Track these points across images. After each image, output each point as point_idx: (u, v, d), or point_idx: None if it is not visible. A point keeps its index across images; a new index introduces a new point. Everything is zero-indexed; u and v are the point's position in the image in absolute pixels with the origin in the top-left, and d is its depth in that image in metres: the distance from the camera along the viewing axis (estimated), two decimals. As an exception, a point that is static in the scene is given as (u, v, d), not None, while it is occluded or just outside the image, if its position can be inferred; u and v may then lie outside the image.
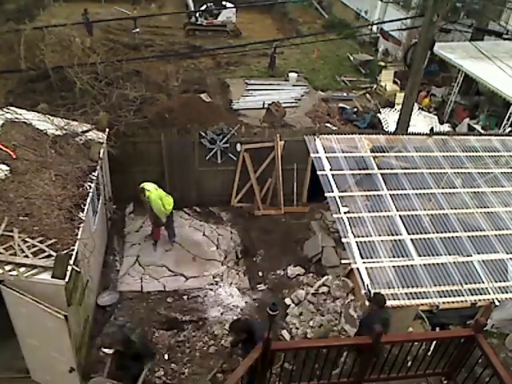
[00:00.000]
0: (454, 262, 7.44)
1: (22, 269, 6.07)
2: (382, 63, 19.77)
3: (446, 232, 7.86)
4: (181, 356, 7.91)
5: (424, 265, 7.35)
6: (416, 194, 8.40)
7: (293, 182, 11.48)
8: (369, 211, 8.01)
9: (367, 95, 18.06)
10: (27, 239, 6.38)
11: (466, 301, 7.13)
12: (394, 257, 7.41)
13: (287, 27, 23.75)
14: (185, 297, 9.09)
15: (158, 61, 17.20)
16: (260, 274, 9.81)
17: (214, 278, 9.67)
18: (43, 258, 6.23)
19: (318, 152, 8.82)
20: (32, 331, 6.60)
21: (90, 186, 7.85)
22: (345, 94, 17.85)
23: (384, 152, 9.01)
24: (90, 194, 7.73)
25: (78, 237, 6.77)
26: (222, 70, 18.78)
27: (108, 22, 19.44)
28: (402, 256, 7.43)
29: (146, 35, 20.17)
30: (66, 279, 6.11)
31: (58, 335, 6.40)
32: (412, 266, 7.33)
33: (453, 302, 7.09)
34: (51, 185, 7.36)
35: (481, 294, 7.13)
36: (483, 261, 7.55)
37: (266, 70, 19.05)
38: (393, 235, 7.73)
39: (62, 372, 6.86)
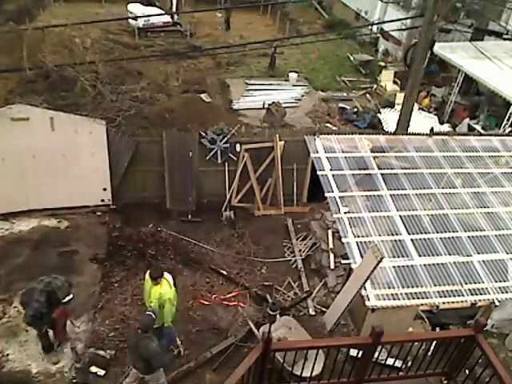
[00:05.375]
0: (454, 262, 7.44)
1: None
2: (382, 63, 19.77)
3: (446, 232, 7.86)
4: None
5: (424, 265, 7.35)
6: (416, 194, 8.40)
7: (293, 182, 11.48)
8: (369, 211, 8.00)
9: (367, 95, 18.07)
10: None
11: (466, 301, 7.13)
12: (394, 257, 7.41)
13: (287, 27, 23.72)
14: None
15: (158, 61, 17.22)
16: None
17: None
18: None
19: (318, 152, 8.81)
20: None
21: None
22: (345, 94, 17.86)
23: (384, 152, 9.01)
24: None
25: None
26: (222, 70, 18.77)
27: (108, 22, 19.42)
28: (402, 256, 7.42)
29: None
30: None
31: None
32: (412, 265, 7.33)
33: (453, 302, 7.09)
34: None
35: (481, 294, 7.12)
36: (483, 261, 7.55)
37: (266, 70, 19.05)
38: (393, 235, 7.73)
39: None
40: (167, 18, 20.88)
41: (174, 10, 21.21)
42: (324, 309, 8.79)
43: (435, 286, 7.10)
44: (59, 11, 21.96)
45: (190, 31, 21.16)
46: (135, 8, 20.81)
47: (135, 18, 19.76)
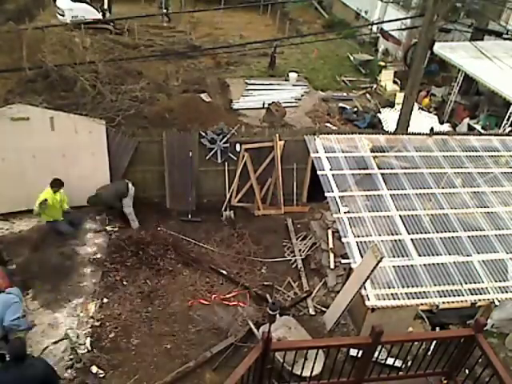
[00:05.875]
0: (454, 262, 7.44)
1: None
2: (382, 63, 19.76)
3: (446, 232, 7.87)
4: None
5: (424, 265, 7.35)
6: (416, 193, 8.41)
7: (293, 181, 11.48)
8: (369, 211, 8.01)
9: (367, 95, 18.06)
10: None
11: (466, 301, 7.14)
12: (394, 257, 7.42)
13: (287, 27, 23.73)
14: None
15: (158, 61, 17.21)
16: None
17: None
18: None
19: (318, 152, 8.82)
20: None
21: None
22: (345, 94, 17.85)
23: (384, 152, 9.02)
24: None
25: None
26: (221, 69, 18.76)
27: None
28: (402, 256, 7.43)
29: (146, 35, 20.15)
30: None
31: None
32: (412, 265, 7.33)
33: (453, 302, 7.09)
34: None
35: (481, 294, 7.13)
36: (483, 261, 7.55)
37: (266, 69, 19.04)
38: (393, 235, 7.74)
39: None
40: (97, 15, 20.15)
41: (105, 7, 20.47)
42: (324, 309, 8.78)
43: (435, 285, 7.11)
44: (59, 11, 21.91)
45: (190, 31, 21.12)
46: (63, 3, 20.06)
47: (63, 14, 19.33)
